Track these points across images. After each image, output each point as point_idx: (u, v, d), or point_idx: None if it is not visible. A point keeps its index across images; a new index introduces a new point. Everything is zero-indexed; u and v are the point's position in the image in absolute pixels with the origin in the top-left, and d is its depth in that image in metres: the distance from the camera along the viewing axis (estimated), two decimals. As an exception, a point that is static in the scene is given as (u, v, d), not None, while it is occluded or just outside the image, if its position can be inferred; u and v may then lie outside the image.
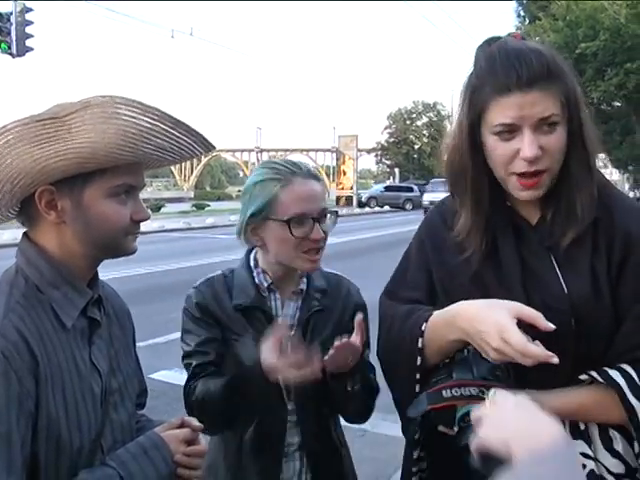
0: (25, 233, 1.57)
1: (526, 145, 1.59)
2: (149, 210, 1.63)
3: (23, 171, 1.43)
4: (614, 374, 1.59)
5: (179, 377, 7.52)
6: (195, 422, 1.67)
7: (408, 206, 50.87)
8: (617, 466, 1.64)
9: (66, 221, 1.50)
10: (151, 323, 9.13)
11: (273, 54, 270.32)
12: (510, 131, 1.61)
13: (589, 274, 1.63)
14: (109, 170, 1.47)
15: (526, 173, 1.62)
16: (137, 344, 1.87)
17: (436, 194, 57.92)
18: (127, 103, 1.43)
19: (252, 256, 2.18)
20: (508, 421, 1.18)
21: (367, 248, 20.52)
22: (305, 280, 2.16)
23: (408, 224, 33.27)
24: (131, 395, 1.70)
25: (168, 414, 2.20)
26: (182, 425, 1.65)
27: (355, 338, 1.89)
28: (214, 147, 1.61)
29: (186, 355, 2.13)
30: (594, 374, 1.61)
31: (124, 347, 1.73)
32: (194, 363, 2.09)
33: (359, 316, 1.93)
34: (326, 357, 1.89)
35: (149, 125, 1.44)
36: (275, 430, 2.09)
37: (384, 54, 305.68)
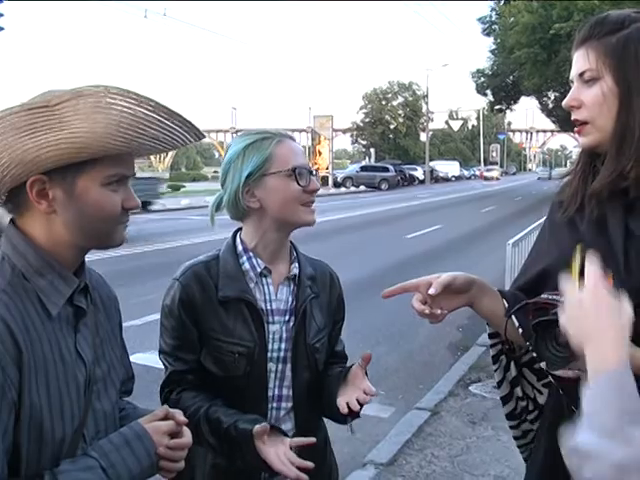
0: (12, 220, 1.54)
1: (567, 96, 1.74)
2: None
3: (14, 161, 1.41)
4: None
5: (155, 359, 7.45)
6: (180, 415, 1.64)
7: (384, 186, 51.07)
8: None
9: (57, 210, 1.48)
10: (127, 305, 8.83)
11: (247, 34, 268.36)
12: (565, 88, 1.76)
13: None
14: (102, 159, 1.45)
15: (574, 121, 1.75)
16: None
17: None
18: (122, 94, 1.41)
19: (238, 240, 2.12)
20: (588, 323, 1.27)
21: (343, 228, 20.54)
22: (297, 265, 2.14)
23: (384, 204, 33.46)
24: (115, 383, 1.68)
25: (145, 397, 2.18)
26: (166, 417, 1.63)
27: (362, 388, 1.96)
28: (204, 136, 1.59)
29: (163, 352, 2.10)
30: None
31: (110, 335, 1.71)
32: (170, 369, 2.07)
33: (358, 366, 1.99)
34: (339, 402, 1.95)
35: (144, 116, 1.43)
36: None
37: (359, 34, 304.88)
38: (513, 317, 1.76)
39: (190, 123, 1.52)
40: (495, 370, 1.98)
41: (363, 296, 8.74)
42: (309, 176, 2.05)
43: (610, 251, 1.67)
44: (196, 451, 2.01)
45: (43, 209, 1.47)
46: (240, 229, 2.14)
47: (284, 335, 2.06)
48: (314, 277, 2.16)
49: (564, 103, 1.74)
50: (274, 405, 2.08)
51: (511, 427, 2.05)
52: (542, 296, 1.64)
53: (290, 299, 2.09)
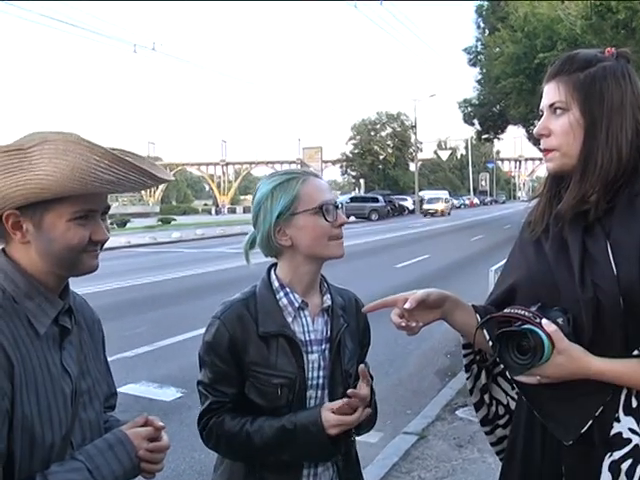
0: (2, 249, 1.71)
1: (537, 125, 1.92)
2: (114, 225, 1.76)
3: None
4: None
5: (146, 390, 7.59)
6: (158, 422, 1.81)
7: (374, 216, 51.24)
8: None
9: (30, 241, 1.64)
10: (119, 338, 9.14)
11: (236, 68, 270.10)
12: (541, 117, 1.93)
13: (639, 259, 1.79)
14: (68, 198, 1.60)
15: (542, 149, 1.92)
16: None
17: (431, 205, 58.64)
18: (77, 141, 1.56)
19: (274, 276, 2.20)
20: None
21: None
22: (329, 296, 2.24)
23: (374, 234, 33.56)
24: (99, 396, 1.84)
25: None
26: (146, 423, 1.79)
27: (362, 388, 2.06)
28: (165, 180, 1.74)
29: (202, 384, 2.18)
30: None
31: (93, 352, 1.86)
32: (211, 399, 2.15)
33: (362, 367, 2.09)
34: (336, 405, 2.05)
35: (95, 162, 1.56)
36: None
37: (347, 66, 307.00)
38: (484, 329, 1.91)
39: (140, 169, 1.64)
40: (467, 378, 2.14)
41: (352, 324, 8.69)
42: (336, 211, 2.15)
43: (569, 268, 1.82)
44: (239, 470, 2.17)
45: (18, 239, 1.64)
46: (273, 265, 2.24)
47: (322, 364, 2.16)
48: (344, 307, 2.26)
49: (535, 131, 1.90)
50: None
51: (486, 433, 2.19)
52: (505, 310, 1.81)
53: (325, 329, 2.19)
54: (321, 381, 2.16)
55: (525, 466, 1.93)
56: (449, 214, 59.50)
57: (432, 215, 57.16)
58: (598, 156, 1.81)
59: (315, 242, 2.13)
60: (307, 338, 2.16)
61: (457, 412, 6.68)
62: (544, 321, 1.70)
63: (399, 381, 8.05)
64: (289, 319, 2.14)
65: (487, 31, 38.69)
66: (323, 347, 2.17)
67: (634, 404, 1.76)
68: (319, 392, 2.16)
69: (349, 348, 2.22)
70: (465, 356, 2.12)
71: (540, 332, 1.68)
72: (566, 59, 1.89)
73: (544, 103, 1.90)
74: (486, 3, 38.63)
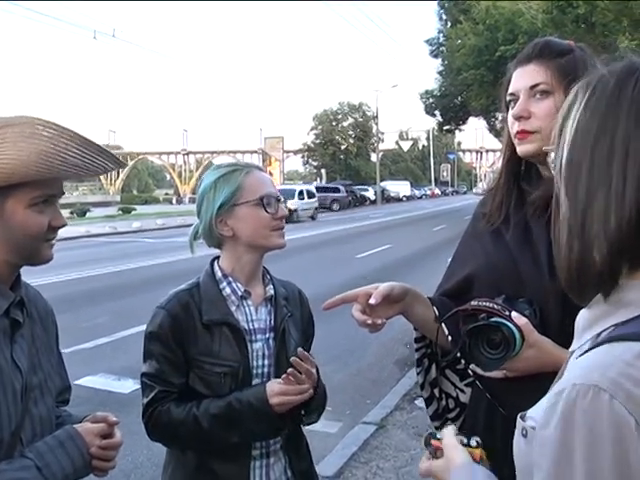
0: None
1: (516, 107, 1.86)
2: (74, 214, 1.74)
3: None
4: None
5: (104, 382, 7.52)
6: (111, 417, 1.79)
7: (335, 206, 51.24)
8: None
9: None
10: (77, 329, 9.09)
11: (198, 56, 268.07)
12: (515, 100, 1.89)
13: None
14: (28, 183, 1.58)
15: (518, 131, 1.87)
16: (63, 350, 1.96)
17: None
18: (44, 124, 1.55)
19: (217, 267, 2.25)
20: None
21: (294, 249, 20.58)
22: (272, 286, 2.28)
23: (335, 224, 33.61)
24: (51, 391, 1.80)
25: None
26: (98, 420, 1.77)
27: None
28: (126, 164, 1.74)
29: (147, 375, 2.17)
30: None
31: (46, 346, 1.82)
32: (157, 389, 2.14)
33: (300, 349, 2.10)
34: (289, 371, 2.05)
35: (64, 145, 1.56)
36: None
37: (309, 56, 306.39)
38: (443, 324, 1.89)
39: (107, 152, 1.65)
40: (418, 373, 2.12)
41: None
42: (277, 203, 2.21)
43: (535, 259, 1.82)
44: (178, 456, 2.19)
45: None
46: (217, 257, 2.28)
47: (266, 352, 2.19)
48: (287, 297, 2.31)
49: (513, 113, 1.86)
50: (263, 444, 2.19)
51: (437, 428, 2.18)
52: (471, 303, 1.79)
53: (269, 318, 2.23)
54: (266, 370, 2.19)
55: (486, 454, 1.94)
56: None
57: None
58: None
59: (255, 232, 2.18)
60: (251, 327, 2.19)
61: (416, 402, 6.73)
62: (514, 314, 1.68)
63: (358, 371, 8.09)
64: (232, 308, 2.18)
65: (449, 23, 38.85)
66: (267, 336, 2.21)
67: None
68: (265, 380, 2.16)
69: (294, 337, 2.25)
70: (417, 350, 2.10)
71: (511, 325, 1.65)
72: (545, 43, 1.89)
73: (522, 84, 1.87)
74: (449, -5, 38.76)
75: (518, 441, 1.11)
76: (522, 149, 1.89)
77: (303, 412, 2.17)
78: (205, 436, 2.10)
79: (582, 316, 1.12)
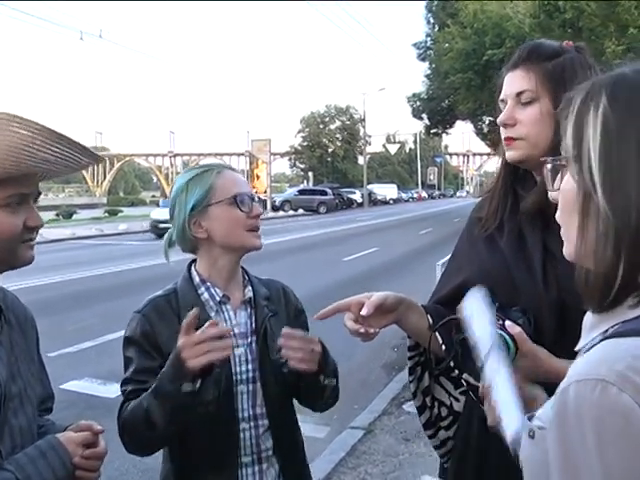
0: None
1: (502, 114, 1.85)
2: (60, 216, 1.67)
3: None
4: None
5: (89, 387, 7.46)
6: (96, 426, 1.71)
7: (322, 209, 51.22)
8: None
9: None
10: (62, 332, 9.04)
11: (186, 57, 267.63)
12: (505, 105, 1.87)
13: None
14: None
15: (505, 138, 1.85)
16: (47, 354, 1.90)
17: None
18: (8, 118, 1.46)
19: (194, 271, 2.19)
20: None
21: (281, 251, 20.56)
22: (251, 288, 2.21)
23: (322, 227, 33.55)
24: (32, 400, 1.72)
25: (78, 425, 2.22)
26: (82, 429, 1.69)
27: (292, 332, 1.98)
28: (101, 158, 1.65)
29: (124, 382, 2.10)
30: None
31: (25, 353, 1.75)
32: (129, 389, 2.07)
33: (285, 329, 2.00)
34: (283, 353, 1.95)
35: (30, 139, 1.47)
36: (227, 443, 2.09)
37: (297, 58, 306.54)
38: (437, 332, 1.86)
39: (79, 145, 1.55)
40: (411, 381, 2.09)
41: (299, 318, 8.69)
42: (251, 202, 2.15)
43: (529, 267, 1.79)
44: None
45: None
46: (194, 261, 2.21)
47: (249, 357, 2.12)
48: (269, 297, 2.23)
49: (499, 120, 1.85)
50: (251, 425, 2.10)
51: (429, 437, 2.15)
52: None
53: (249, 321, 2.16)
54: (251, 374, 2.11)
55: (480, 462, 1.90)
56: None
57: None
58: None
59: (230, 232, 2.12)
60: (231, 332, 2.09)
61: (404, 406, 6.70)
62: (507, 322, 1.64)
63: (345, 375, 7.97)
64: (212, 314, 2.12)
65: (437, 27, 38.92)
66: (249, 340, 2.14)
67: None
68: (250, 386, 2.11)
69: (277, 338, 2.14)
70: (410, 358, 2.07)
71: (504, 334, 1.61)
72: (533, 47, 1.86)
73: (509, 91, 1.86)
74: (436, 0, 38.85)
75: (525, 444, 1.11)
76: (509, 155, 1.88)
77: (322, 377, 2.06)
78: (160, 427, 1.93)
79: (589, 315, 1.11)
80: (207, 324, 1.87)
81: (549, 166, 1.15)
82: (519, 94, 1.82)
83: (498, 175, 1.99)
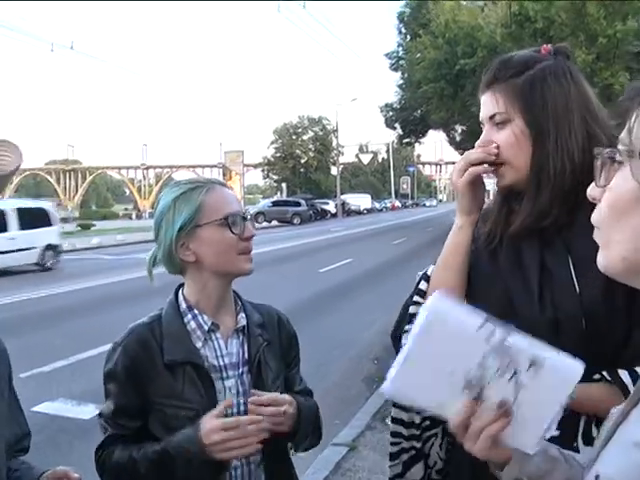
0: None
1: (480, 138, 1.78)
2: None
3: None
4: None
5: (63, 408, 7.26)
6: (72, 473, 1.59)
7: (296, 220, 51.25)
8: None
9: None
10: (34, 352, 8.81)
11: (158, 70, 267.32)
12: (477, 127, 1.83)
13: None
14: None
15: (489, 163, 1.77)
16: (19, 375, 1.79)
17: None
18: None
19: (181, 297, 2.04)
20: None
21: (256, 264, 20.31)
22: (244, 315, 2.06)
23: (296, 238, 33.54)
24: (1, 442, 1.59)
25: (51, 447, 2.11)
26: (58, 475, 1.57)
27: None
28: (19, 151, 1.51)
29: (103, 416, 1.98)
30: (604, 373, 1.63)
31: None
32: (108, 433, 1.95)
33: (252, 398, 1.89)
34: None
35: None
36: None
37: (269, 69, 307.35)
38: None
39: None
40: (391, 466, 2.03)
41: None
42: (243, 223, 1.99)
43: (525, 284, 1.72)
44: None
45: None
46: (182, 285, 2.07)
47: (240, 389, 1.97)
48: (262, 323, 2.08)
49: (476, 144, 1.77)
50: (242, 462, 1.96)
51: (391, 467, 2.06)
52: None
53: (241, 351, 2.01)
54: (242, 408, 1.94)
55: None
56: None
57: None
58: (550, 166, 1.69)
59: (221, 257, 1.97)
60: (221, 363, 1.97)
61: (387, 420, 6.57)
62: None
63: (325, 390, 7.90)
64: (198, 344, 1.96)
65: (409, 37, 39.09)
66: (240, 371, 1.99)
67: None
68: None
69: (272, 368, 2.03)
70: (394, 444, 2.02)
71: None
72: (500, 64, 1.76)
73: (483, 114, 1.79)
74: (408, 10, 39.03)
75: None
76: (498, 182, 1.82)
77: (290, 445, 1.98)
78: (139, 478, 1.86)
79: None
80: (223, 404, 1.84)
81: (602, 159, 0.99)
82: (491, 117, 1.76)
83: (495, 196, 1.91)
